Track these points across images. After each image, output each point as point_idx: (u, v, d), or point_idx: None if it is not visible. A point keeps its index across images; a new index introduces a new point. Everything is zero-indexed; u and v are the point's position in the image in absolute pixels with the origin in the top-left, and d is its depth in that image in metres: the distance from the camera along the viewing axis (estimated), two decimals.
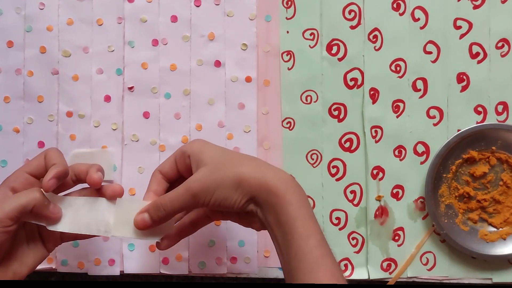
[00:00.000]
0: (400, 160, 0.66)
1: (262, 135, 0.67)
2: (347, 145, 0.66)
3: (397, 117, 0.66)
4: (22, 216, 0.49)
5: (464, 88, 0.65)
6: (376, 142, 0.66)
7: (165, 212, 0.50)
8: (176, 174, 0.54)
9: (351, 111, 0.66)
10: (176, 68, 0.67)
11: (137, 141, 0.67)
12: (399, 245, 0.66)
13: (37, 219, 0.51)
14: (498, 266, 0.65)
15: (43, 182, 0.49)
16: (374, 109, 0.66)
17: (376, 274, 0.66)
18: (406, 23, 0.66)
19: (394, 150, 0.66)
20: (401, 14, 0.66)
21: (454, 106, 0.65)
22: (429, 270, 0.66)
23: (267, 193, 0.48)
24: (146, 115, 0.67)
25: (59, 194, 0.53)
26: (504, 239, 0.65)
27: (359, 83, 0.66)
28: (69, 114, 0.67)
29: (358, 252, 0.66)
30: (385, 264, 0.66)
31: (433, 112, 0.66)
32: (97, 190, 0.53)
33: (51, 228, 0.51)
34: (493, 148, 0.65)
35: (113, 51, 0.67)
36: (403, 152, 0.66)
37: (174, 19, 0.67)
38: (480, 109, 0.65)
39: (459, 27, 0.65)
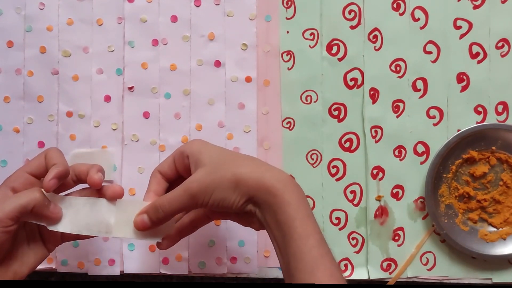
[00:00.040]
0: (400, 160, 0.66)
1: (262, 135, 0.67)
2: (347, 145, 0.66)
3: (397, 117, 0.66)
4: (22, 216, 0.49)
5: (464, 88, 0.65)
6: (376, 142, 0.66)
7: (163, 213, 0.50)
8: (175, 174, 0.54)
9: (351, 111, 0.66)
10: (176, 68, 0.67)
11: (137, 141, 0.67)
12: (399, 245, 0.66)
13: (38, 219, 0.51)
14: (498, 266, 0.65)
15: (44, 182, 0.49)
16: (374, 109, 0.66)
17: (376, 274, 0.66)
18: (406, 23, 0.66)
19: (394, 150, 0.66)
20: (401, 14, 0.66)
21: (454, 106, 0.65)
22: (429, 270, 0.66)
23: (265, 193, 0.48)
24: (146, 115, 0.67)
25: (59, 194, 0.53)
26: (504, 239, 0.65)
27: (359, 83, 0.66)
28: (69, 114, 0.67)
29: (358, 252, 0.66)
30: (385, 264, 0.66)
31: (433, 112, 0.66)
32: (98, 191, 0.53)
33: (52, 228, 0.51)
34: (493, 148, 0.65)
35: (113, 51, 0.67)
36: (403, 152, 0.66)
37: (174, 19, 0.67)
38: (480, 109, 0.65)
39: (459, 27, 0.65)
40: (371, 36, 0.66)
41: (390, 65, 0.66)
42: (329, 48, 0.66)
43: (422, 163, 0.66)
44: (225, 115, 0.67)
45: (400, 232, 0.66)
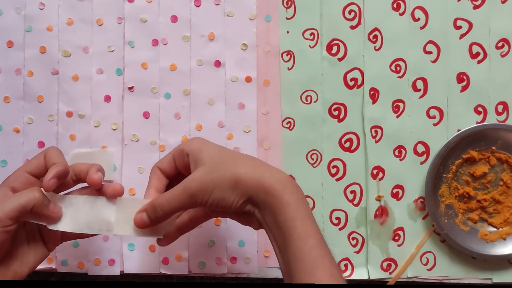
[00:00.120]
0: (400, 160, 0.66)
1: (262, 135, 0.67)
2: (347, 145, 0.66)
3: (397, 117, 0.66)
4: (22, 216, 0.49)
5: (464, 88, 0.65)
6: (376, 142, 0.66)
7: (162, 212, 0.50)
8: (174, 171, 0.54)
9: (351, 111, 0.66)
10: (176, 68, 0.67)
11: (137, 141, 0.67)
12: (399, 245, 0.66)
13: (37, 218, 0.51)
14: (498, 266, 0.65)
15: (44, 182, 0.49)
16: (374, 109, 0.66)
17: (376, 274, 0.66)
18: (406, 23, 0.66)
19: (394, 150, 0.66)
20: (401, 14, 0.66)
21: (454, 106, 0.65)
22: (429, 270, 0.66)
23: (264, 194, 0.48)
24: (146, 115, 0.67)
25: (59, 194, 0.53)
26: (504, 239, 0.65)
27: (359, 83, 0.66)
28: (69, 114, 0.67)
29: (358, 252, 0.66)
30: (385, 264, 0.66)
31: (433, 112, 0.66)
32: (98, 190, 0.53)
33: (52, 227, 0.51)
34: (493, 148, 0.65)
35: (113, 51, 0.67)
36: (403, 152, 0.66)
37: (174, 19, 0.67)
38: (480, 109, 0.65)
39: (459, 27, 0.65)
40: (371, 36, 0.66)
41: (390, 65, 0.66)
42: (329, 48, 0.66)
43: (422, 163, 0.66)
44: (225, 115, 0.67)
45: (400, 232, 0.66)
